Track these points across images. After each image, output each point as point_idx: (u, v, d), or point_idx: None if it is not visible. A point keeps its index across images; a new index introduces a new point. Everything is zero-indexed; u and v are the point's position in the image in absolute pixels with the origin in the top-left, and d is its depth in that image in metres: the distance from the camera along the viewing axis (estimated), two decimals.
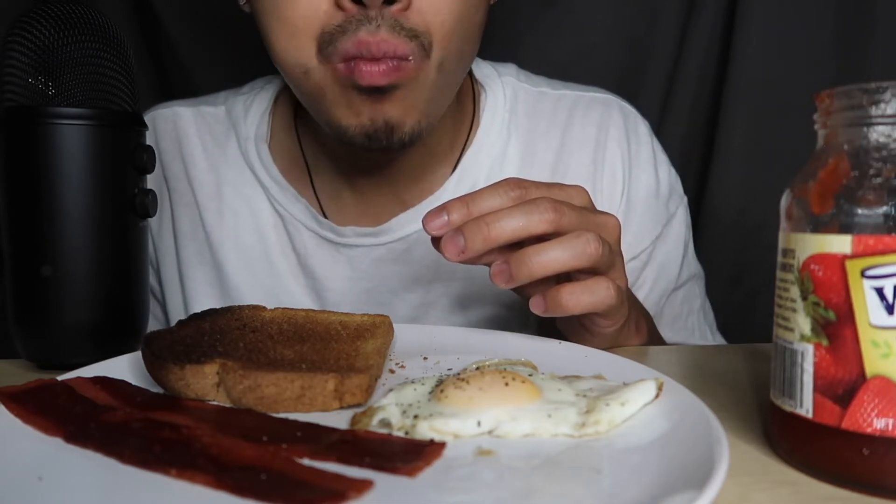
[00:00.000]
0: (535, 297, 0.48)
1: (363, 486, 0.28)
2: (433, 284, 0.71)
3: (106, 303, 0.49)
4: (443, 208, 0.46)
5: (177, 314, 0.75)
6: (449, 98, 0.63)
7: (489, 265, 0.47)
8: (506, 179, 0.48)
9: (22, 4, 0.54)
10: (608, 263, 0.47)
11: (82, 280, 0.48)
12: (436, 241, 0.47)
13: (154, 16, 1.02)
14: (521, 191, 0.47)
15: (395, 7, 0.54)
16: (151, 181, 0.75)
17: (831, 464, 0.32)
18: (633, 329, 0.56)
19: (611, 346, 0.54)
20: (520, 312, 0.69)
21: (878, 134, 0.31)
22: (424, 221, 0.47)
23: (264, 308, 0.51)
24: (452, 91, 0.63)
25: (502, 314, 0.71)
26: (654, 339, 0.65)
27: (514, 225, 0.45)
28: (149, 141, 0.76)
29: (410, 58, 0.55)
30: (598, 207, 0.51)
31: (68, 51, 0.47)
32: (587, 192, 0.51)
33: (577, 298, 0.46)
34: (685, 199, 0.78)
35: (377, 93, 0.56)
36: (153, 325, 0.78)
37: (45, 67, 0.47)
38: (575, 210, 0.47)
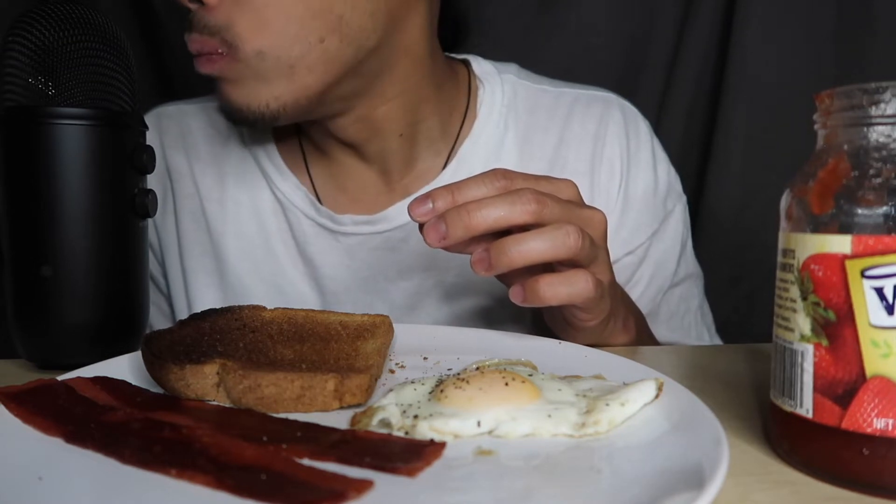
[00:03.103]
0: (514, 287, 0.48)
1: (363, 486, 0.28)
2: (429, 273, 0.72)
3: (106, 303, 0.49)
4: (428, 196, 0.47)
5: (180, 305, 0.77)
6: (318, 79, 0.61)
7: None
8: (493, 170, 0.49)
9: (22, 4, 0.54)
10: (589, 257, 0.47)
11: (82, 280, 0.48)
12: (422, 227, 0.48)
13: (154, 16, 1.02)
14: (506, 181, 0.48)
15: (203, 6, 0.58)
16: (155, 175, 0.76)
17: (831, 464, 0.32)
18: (619, 326, 0.56)
19: (596, 341, 0.54)
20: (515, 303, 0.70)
21: (878, 134, 0.31)
22: (410, 208, 0.47)
23: (264, 308, 0.51)
24: (318, 74, 0.61)
25: (498, 304, 0.72)
26: (644, 338, 0.65)
27: (495, 214, 0.45)
28: (153, 136, 0.77)
29: (220, 51, 0.59)
30: (595, 203, 0.51)
31: (68, 51, 0.47)
32: (576, 186, 0.51)
33: (555, 289, 0.47)
34: (684, 198, 0.78)
35: (215, 80, 0.62)
36: (159, 318, 0.80)
37: (45, 67, 0.47)
38: (559, 202, 0.47)
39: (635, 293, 0.72)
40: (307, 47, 0.59)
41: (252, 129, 0.74)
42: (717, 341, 0.81)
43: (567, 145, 0.74)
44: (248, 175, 0.75)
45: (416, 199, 0.47)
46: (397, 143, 0.71)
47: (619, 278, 0.65)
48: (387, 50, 0.64)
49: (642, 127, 0.77)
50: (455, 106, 0.74)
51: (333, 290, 0.73)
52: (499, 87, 0.74)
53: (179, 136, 0.77)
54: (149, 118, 0.78)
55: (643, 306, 0.72)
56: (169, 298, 0.78)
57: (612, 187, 0.74)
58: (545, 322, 0.57)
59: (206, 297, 0.74)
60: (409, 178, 0.73)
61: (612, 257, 0.54)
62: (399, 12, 0.64)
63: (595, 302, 0.49)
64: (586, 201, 0.52)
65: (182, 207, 0.76)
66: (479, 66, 0.76)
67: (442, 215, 0.46)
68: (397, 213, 0.70)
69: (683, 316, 0.77)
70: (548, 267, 0.49)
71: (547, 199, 0.46)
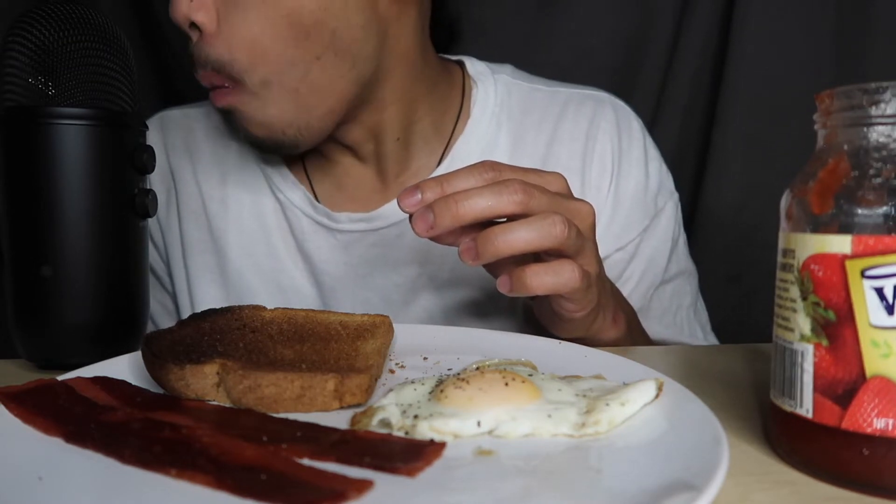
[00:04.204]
0: (501, 277, 0.49)
1: (363, 486, 0.28)
2: (424, 268, 0.73)
3: (106, 303, 0.49)
4: (417, 187, 0.48)
5: (184, 303, 0.78)
6: (323, 99, 0.63)
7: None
8: (482, 162, 0.49)
9: (22, 4, 0.54)
10: (576, 247, 0.48)
11: (82, 280, 0.48)
12: (412, 218, 0.48)
13: (154, 16, 1.02)
14: (494, 173, 0.48)
15: (203, 34, 0.60)
16: (159, 176, 0.77)
17: (831, 464, 0.32)
18: (608, 320, 0.57)
19: (584, 334, 0.55)
20: (509, 298, 0.70)
21: (878, 134, 0.31)
22: (400, 199, 0.48)
23: (264, 308, 0.51)
24: (322, 93, 0.63)
25: (490, 299, 0.72)
26: (636, 333, 0.66)
27: (482, 204, 0.46)
28: (156, 139, 0.78)
29: (227, 85, 0.61)
30: (586, 199, 0.52)
31: (68, 51, 0.47)
32: (564, 180, 0.52)
33: (541, 279, 0.47)
34: (676, 195, 0.79)
35: (229, 114, 0.64)
36: (164, 316, 0.81)
37: (45, 67, 0.47)
38: (546, 193, 0.48)
39: (626, 289, 0.73)
40: (306, 67, 0.61)
41: (279, 155, 0.75)
42: (712, 339, 0.81)
43: (559, 143, 0.75)
44: (248, 175, 0.76)
45: (405, 190, 0.48)
46: (394, 146, 0.72)
47: (610, 274, 0.66)
48: (381, 58, 0.65)
49: (634, 125, 0.77)
50: (449, 105, 0.75)
51: (331, 285, 0.74)
52: (492, 87, 0.75)
53: (182, 138, 0.79)
54: (153, 122, 0.79)
55: (634, 302, 0.72)
56: (174, 297, 0.80)
57: (603, 184, 0.74)
58: (535, 315, 0.58)
59: (209, 294, 0.76)
60: (404, 177, 0.74)
61: (603, 253, 0.54)
62: (390, 20, 0.65)
63: (581, 292, 0.49)
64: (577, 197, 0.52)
65: (185, 208, 0.77)
66: (474, 66, 0.77)
67: (430, 205, 0.46)
68: (392, 211, 0.71)
69: (675, 313, 0.77)
70: (537, 258, 0.50)
71: (534, 189, 0.47)
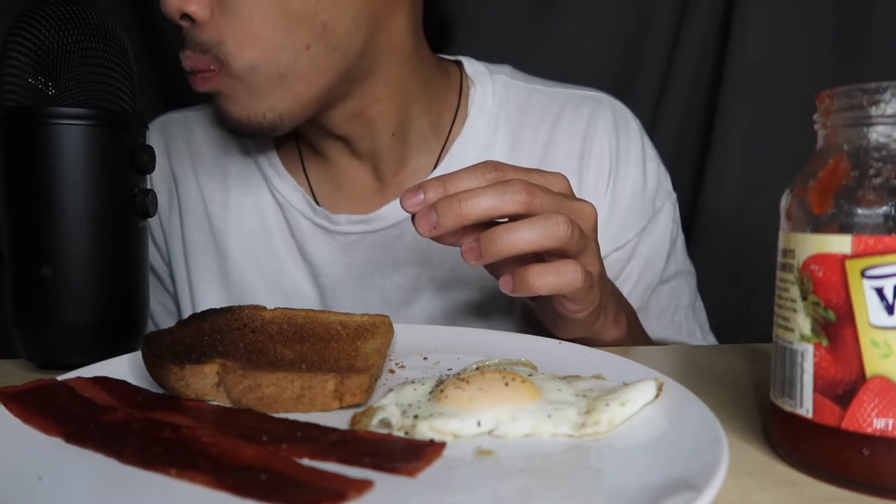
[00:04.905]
0: (504, 277, 0.49)
1: (363, 486, 0.28)
2: (423, 269, 0.73)
3: (106, 303, 0.49)
4: (420, 187, 0.47)
5: (185, 304, 0.78)
6: (309, 87, 0.63)
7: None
8: (485, 161, 0.49)
9: (22, 4, 0.54)
10: (578, 247, 0.48)
11: (82, 280, 0.48)
12: (415, 218, 0.48)
13: (154, 16, 1.02)
14: (497, 173, 0.48)
15: (194, 22, 0.60)
16: (161, 179, 0.78)
17: (831, 464, 0.32)
18: (609, 320, 0.57)
19: (586, 335, 0.55)
20: (508, 298, 0.71)
21: (878, 134, 0.31)
22: (402, 199, 0.48)
23: (264, 308, 0.51)
24: (309, 81, 0.63)
25: (489, 298, 0.72)
26: (636, 333, 0.66)
27: (485, 204, 0.46)
28: (158, 142, 0.79)
29: (212, 67, 0.61)
30: (584, 199, 0.52)
31: (68, 51, 0.47)
32: (566, 180, 0.52)
33: (544, 279, 0.47)
34: (674, 195, 0.79)
35: (211, 97, 0.64)
36: (166, 318, 0.82)
37: (45, 67, 0.47)
38: (549, 193, 0.48)
39: (624, 289, 0.73)
40: (294, 55, 0.61)
41: (252, 139, 0.75)
42: (711, 338, 0.81)
43: (557, 143, 0.75)
44: (248, 178, 0.76)
45: (408, 189, 0.48)
46: (389, 142, 0.72)
47: (609, 274, 0.66)
48: (373, 51, 0.65)
49: (632, 125, 0.77)
50: (446, 105, 0.75)
51: (331, 286, 0.74)
52: (490, 87, 0.75)
53: (184, 141, 0.79)
54: (155, 125, 0.80)
55: (633, 302, 0.72)
56: (175, 298, 0.80)
57: (601, 184, 0.74)
58: (536, 315, 0.58)
59: (210, 296, 0.76)
60: (401, 176, 0.74)
61: (601, 253, 0.54)
62: (382, 14, 0.65)
63: (584, 292, 0.49)
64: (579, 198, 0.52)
65: (187, 210, 0.78)
66: (472, 66, 0.77)
67: (433, 205, 0.46)
68: (391, 212, 0.71)
69: (674, 312, 0.77)
70: (539, 259, 0.50)
71: (537, 189, 0.47)
